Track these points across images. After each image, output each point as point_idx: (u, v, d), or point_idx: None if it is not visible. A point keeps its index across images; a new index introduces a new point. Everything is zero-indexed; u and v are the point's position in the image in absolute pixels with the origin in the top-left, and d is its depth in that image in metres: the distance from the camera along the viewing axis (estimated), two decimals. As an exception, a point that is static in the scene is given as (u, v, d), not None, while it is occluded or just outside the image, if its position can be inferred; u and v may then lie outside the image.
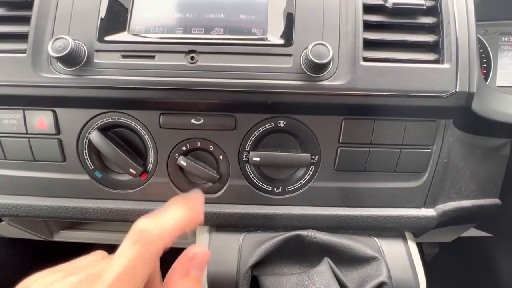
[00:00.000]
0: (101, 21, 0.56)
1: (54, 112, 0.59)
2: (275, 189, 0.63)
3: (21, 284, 0.31)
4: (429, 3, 0.58)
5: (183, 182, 0.63)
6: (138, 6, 0.57)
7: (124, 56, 0.55)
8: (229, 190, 0.63)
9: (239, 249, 0.62)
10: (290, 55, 0.55)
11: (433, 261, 1.13)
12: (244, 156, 0.61)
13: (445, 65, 0.55)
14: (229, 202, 0.63)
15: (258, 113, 0.59)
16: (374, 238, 0.65)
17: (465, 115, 0.58)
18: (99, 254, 0.40)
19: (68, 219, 0.64)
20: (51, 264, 0.35)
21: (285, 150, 0.61)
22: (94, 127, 0.60)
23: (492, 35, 0.84)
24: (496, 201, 0.71)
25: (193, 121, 0.59)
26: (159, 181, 0.62)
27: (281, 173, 0.63)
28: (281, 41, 0.55)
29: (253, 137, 0.60)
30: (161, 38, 0.56)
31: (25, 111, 0.59)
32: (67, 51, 0.51)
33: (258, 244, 0.62)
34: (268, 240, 0.61)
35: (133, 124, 0.60)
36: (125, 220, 0.63)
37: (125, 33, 0.56)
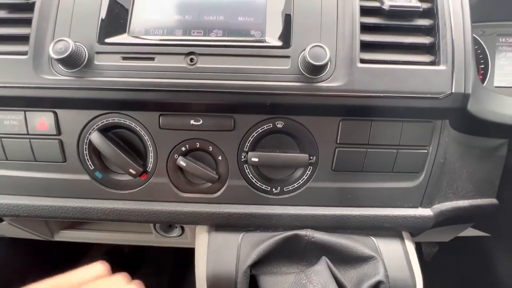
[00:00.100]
0: (101, 23, 0.57)
1: (55, 113, 0.60)
2: (274, 189, 0.63)
3: None
4: (425, 5, 0.58)
5: (183, 182, 0.63)
6: (138, 8, 0.58)
7: (124, 58, 0.56)
8: (228, 190, 0.63)
9: (238, 249, 0.63)
10: (288, 56, 0.56)
11: (432, 260, 1.14)
12: (242, 157, 0.61)
13: (441, 67, 0.56)
14: (228, 202, 0.64)
15: (256, 114, 0.59)
16: (372, 237, 0.66)
17: (461, 116, 0.59)
18: (99, 268, 0.41)
19: (68, 219, 0.65)
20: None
21: (283, 151, 0.61)
22: (94, 128, 0.60)
23: (489, 36, 0.84)
24: (493, 201, 0.71)
25: (192, 122, 0.59)
26: (159, 181, 0.63)
27: (279, 173, 0.63)
28: (279, 43, 0.56)
29: (251, 137, 0.60)
30: (161, 40, 0.56)
31: (26, 112, 0.60)
32: (68, 53, 0.52)
33: (257, 243, 0.62)
34: (267, 240, 0.62)
35: (133, 125, 0.60)
36: (125, 220, 0.64)
37: (125, 35, 0.57)
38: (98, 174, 0.63)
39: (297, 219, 0.63)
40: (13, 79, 0.56)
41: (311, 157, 0.61)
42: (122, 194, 0.64)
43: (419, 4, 0.57)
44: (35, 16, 0.57)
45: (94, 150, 0.61)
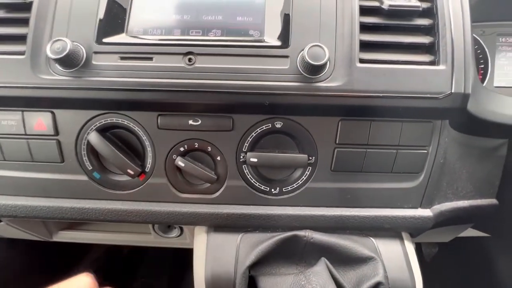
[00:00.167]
0: (99, 23, 0.56)
1: (53, 114, 0.60)
2: (273, 190, 0.63)
3: None
4: (425, 5, 0.58)
5: (181, 182, 0.63)
6: (136, 8, 0.58)
7: (122, 58, 0.56)
8: (226, 190, 0.63)
9: (237, 249, 0.62)
10: (287, 56, 0.55)
11: (432, 261, 1.14)
12: (241, 157, 0.61)
13: (441, 67, 0.56)
14: (227, 202, 0.64)
15: (255, 114, 0.59)
16: (371, 238, 0.65)
17: (461, 116, 0.59)
18: (84, 280, 0.41)
19: (66, 219, 0.65)
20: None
21: (282, 151, 0.61)
22: (92, 128, 0.60)
23: (489, 36, 0.84)
24: (493, 201, 0.71)
25: (190, 122, 0.59)
26: (157, 181, 0.63)
27: (278, 173, 0.63)
28: (278, 43, 0.56)
29: (250, 138, 0.60)
30: (159, 40, 0.56)
31: (24, 112, 0.60)
32: (65, 52, 0.51)
33: (256, 244, 0.62)
34: (266, 241, 0.61)
35: (131, 125, 0.60)
36: (124, 221, 0.64)
37: (123, 35, 0.56)
38: (96, 175, 0.63)
39: (296, 219, 0.63)
40: (10, 79, 0.56)
41: (310, 158, 0.61)
42: (120, 195, 0.64)
43: (418, 3, 0.57)
44: (33, 15, 0.57)
45: (92, 151, 0.61)
